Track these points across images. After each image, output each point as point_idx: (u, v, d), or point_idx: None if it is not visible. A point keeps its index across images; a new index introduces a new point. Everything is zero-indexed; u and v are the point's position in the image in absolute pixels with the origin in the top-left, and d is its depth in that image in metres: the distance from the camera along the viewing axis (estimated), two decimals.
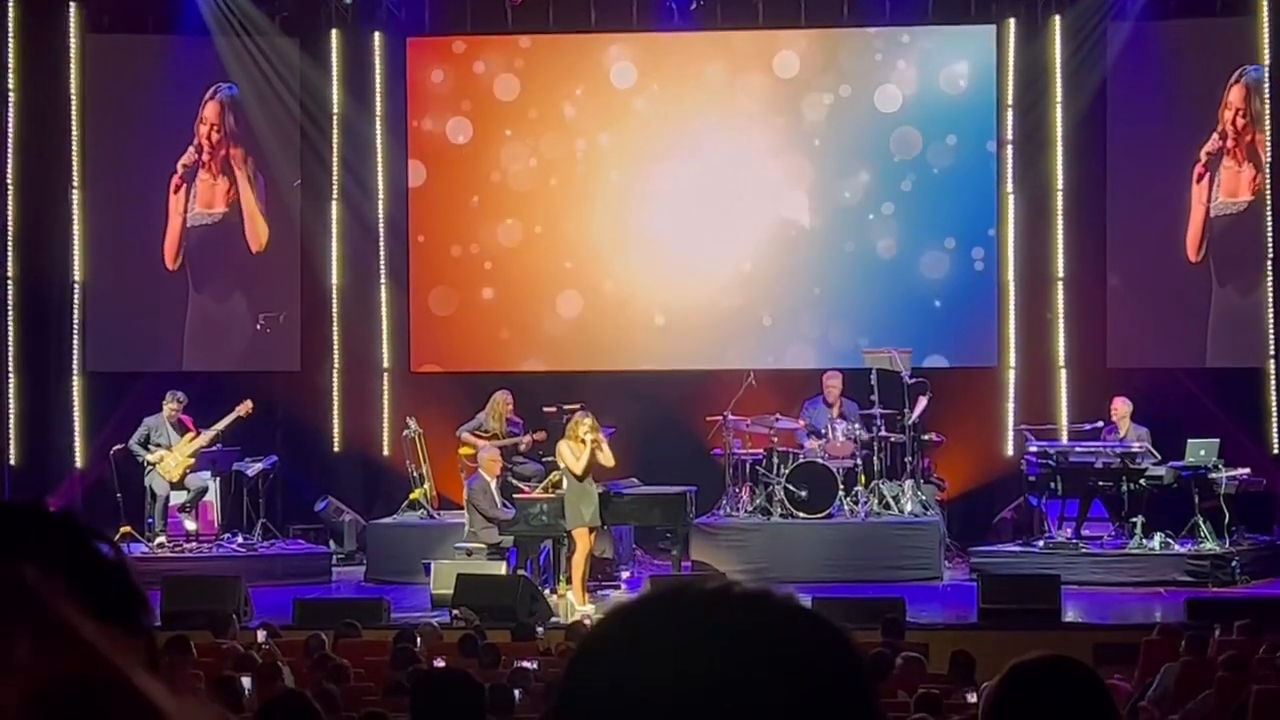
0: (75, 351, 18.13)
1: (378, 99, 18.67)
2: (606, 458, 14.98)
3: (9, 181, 17.85)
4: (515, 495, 15.89)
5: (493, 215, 18.68)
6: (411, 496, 17.20)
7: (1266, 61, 17.36)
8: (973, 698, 8.80)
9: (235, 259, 18.64)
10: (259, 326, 18.44)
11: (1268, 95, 17.33)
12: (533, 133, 18.64)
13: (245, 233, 18.59)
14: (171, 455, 16.49)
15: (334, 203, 18.64)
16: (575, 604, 14.59)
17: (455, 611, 13.84)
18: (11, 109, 17.82)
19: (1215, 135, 17.58)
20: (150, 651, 1.09)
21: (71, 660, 1.02)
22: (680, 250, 18.44)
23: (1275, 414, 17.21)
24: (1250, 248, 17.47)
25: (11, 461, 17.66)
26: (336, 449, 18.56)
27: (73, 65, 18.16)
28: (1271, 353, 17.27)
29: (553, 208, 18.65)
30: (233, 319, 18.62)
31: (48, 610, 1.03)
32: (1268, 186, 17.34)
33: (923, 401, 16.76)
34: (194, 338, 18.53)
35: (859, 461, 16.67)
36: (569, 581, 14.96)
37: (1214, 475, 15.72)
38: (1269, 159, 17.32)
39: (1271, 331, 17.24)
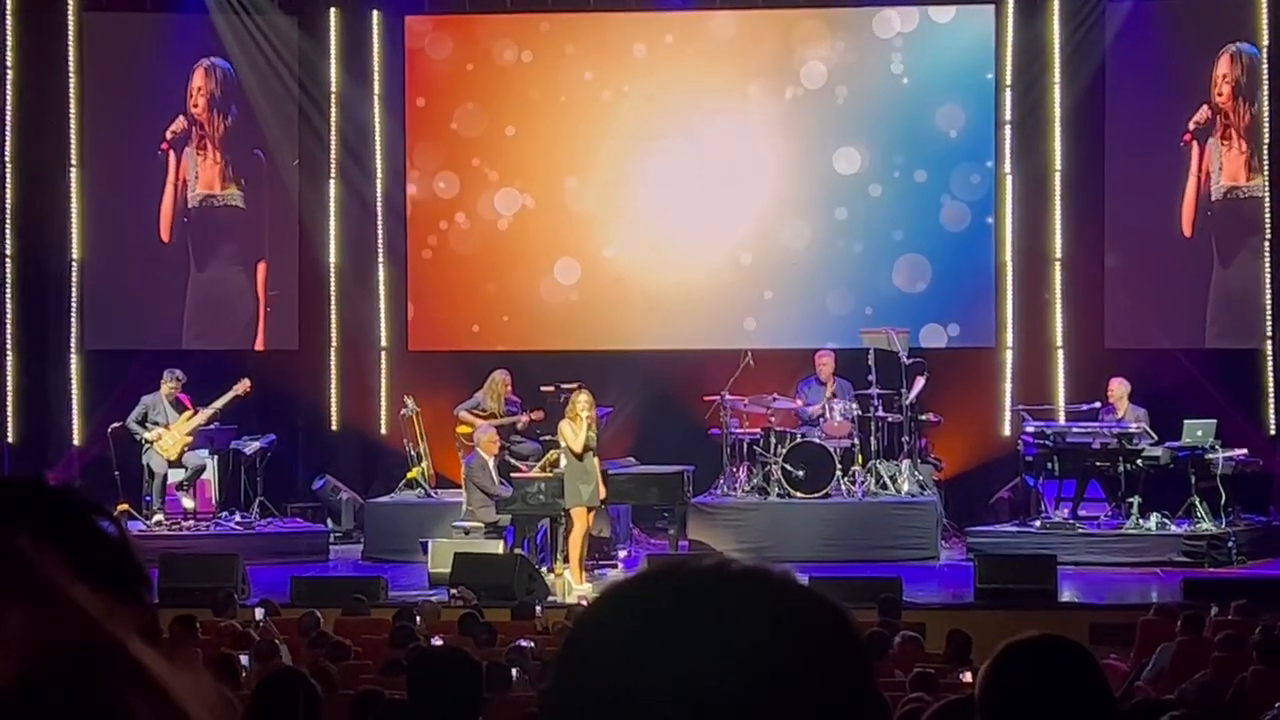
0: (73, 329, 18.12)
1: (376, 77, 18.65)
2: (589, 438, 14.84)
3: (7, 160, 17.83)
4: (513, 474, 15.90)
5: (491, 195, 18.67)
6: (409, 475, 17.21)
7: (1265, 41, 17.32)
8: (968, 677, 8.81)
9: (236, 238, 18.63)
10: (273, 293, 18.48)
11: (1266, 75, 17.30)
12: (531, 113, 18.61)
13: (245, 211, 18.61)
14: (169, 433, 16.49)
15: (332, 182, 18.63)
16: (572, 583, 14.60)
17: (454, 590, 13.85)
18: (10, 87, 17.79)
19: (1205, 107, 17.57)
20: (150, 625, 1.09)
21: (66, 629, 1.02)
22: (678, 228, 18.44)
23: (1272, 394, 17.20)
24: (1249, 230, 17.45)
25: (10, 439, 17.67)
26: (334, 427, 18.58)
27: (71, 43, 18.12)
28: (1269, 334, 17.27)
29: (550, 186, 18.64)
30: (234, 298, 18.61)
31: (42, 579, 1.03)
32: (1265, 167, 17.32)
33: (920, 381, 16.77)
34: (195, 317, 18.53)
35: (856, 441, 16.67)
36: (566, 560, 14.97)
37: (1211, 456, 15.72)
38: (1267, 140, 17.30)
39: (1269, 312, 17.24)
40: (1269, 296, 17.24)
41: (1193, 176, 17.61)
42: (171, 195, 18.48)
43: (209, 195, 18.57)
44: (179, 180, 18.48)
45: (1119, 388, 16.45)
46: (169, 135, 18.41)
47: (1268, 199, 17.29)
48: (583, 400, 14.83)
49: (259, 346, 18.59)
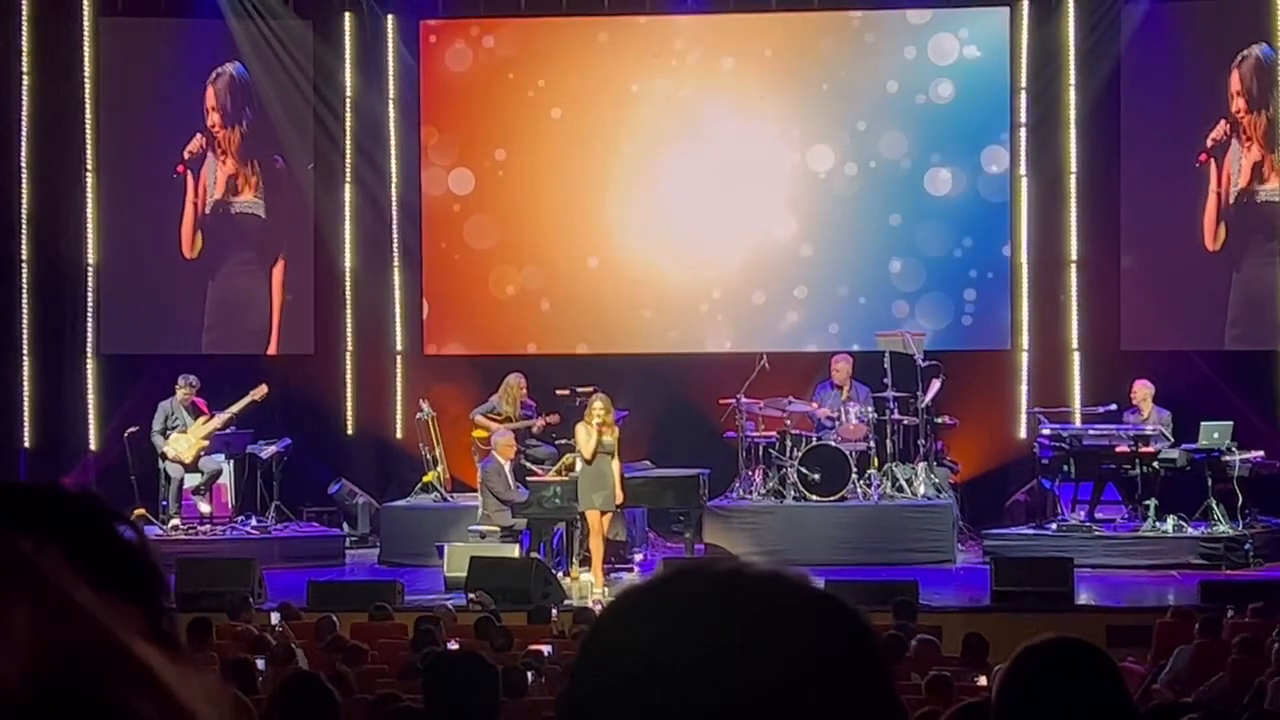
0: (89, 334, 18.16)
1: (391, 82, 18.67)
2: (598, 443, 14.81)
3: (23, 165, 17.87)
4: (528, 478, 15.90)
5: (505, 198, 18.68)
6: (425, 479, 17.22)
7: None
8: (984, 680, 8.80)
9: (252, 243, 18.67)
10: (288, 297, 18.53)
11: None
12: (547, 113, 18.63)
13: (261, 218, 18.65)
14: (185, 437, 16.53)
15: (347, 186, 18.65)
16: (594, 585, 14.61)
17: (471, 595, 13.86)
18: (25, 93, 17.83)
19: (1223, 122, 17.50)
20: (164, 627, 1.09)
21: (70, 630, 1.02)
22: (694, 230, 18.44)
23: None
24: (1269, 233, 17.40)
25: (26, 444, 17.71)
26: (350, 432, 18.59)
27: (86, 49, 18.16)
28: None
29: (564, 191, 18.64)
30: (250, 302, 18.64)
31: (45, 581, 1.03)
32: None
33: (935, 384, 16.75)
34: (213, 322, 18.56)
35: (872, 444, 16.66)
36: (582, 564, 14.97)
37: (1227, 458, 15.68)
38: None
39: None
40: None
41: (1213, 194, 17.54)
42: (192, 213, 18.51)
43: (227, 201, 18.59)
44: (198, 197, 18.51)
45: (1143, 390, 16.41)
46: (186, 155, 18.44)
47: None
48: (597, 406, 14.84)
49: (274, 351, 18.62)
